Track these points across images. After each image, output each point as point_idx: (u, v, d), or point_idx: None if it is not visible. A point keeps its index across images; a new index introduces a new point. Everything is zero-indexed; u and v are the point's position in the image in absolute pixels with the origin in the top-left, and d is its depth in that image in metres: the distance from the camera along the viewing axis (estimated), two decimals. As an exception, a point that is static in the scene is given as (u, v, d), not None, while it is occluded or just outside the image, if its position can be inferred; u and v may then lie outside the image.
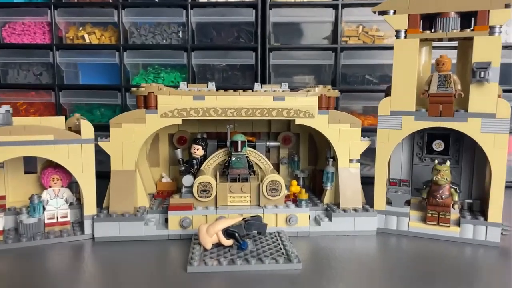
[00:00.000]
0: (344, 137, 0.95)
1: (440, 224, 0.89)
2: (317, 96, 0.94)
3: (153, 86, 0.90)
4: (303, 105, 0.93)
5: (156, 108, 0.90)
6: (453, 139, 0.97)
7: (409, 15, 0.88)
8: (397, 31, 0.90)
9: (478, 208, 0.95)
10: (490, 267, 0.77)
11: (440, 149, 0.97)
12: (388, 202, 0.94)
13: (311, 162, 1.16)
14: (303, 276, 0.71)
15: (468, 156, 0.96)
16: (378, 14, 0.92)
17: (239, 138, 0.93)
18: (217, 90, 0.93)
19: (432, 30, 0.90)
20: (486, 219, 0.87)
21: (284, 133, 1.14)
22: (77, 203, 0.94)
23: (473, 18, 0.87)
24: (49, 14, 1.38)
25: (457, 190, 0.90)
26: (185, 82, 0.95)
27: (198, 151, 0.98)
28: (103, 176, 0.91)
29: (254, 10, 1.36)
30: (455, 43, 1.00)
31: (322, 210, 0.96)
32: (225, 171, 0.92)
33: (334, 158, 0.98)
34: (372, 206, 0.94)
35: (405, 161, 1.01)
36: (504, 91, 1.08)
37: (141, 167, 0.99)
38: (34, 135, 0.84)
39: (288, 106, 0.93)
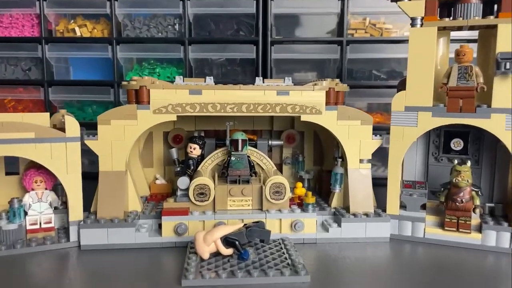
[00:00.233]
0: (354, 135, 0.90)
1: (460, 230, 0.84)
2: (325, 90, 0.88)
3: (145, 80, 0.85)
4: (309, 100, 0.88)
5: (149, 104, 0.85)
6: (473, 137, 0.91)
7: (426, 1, 0.83)
8: (413, 19, 0.84)
9: (501, 212, 0.89)
10: (516, 278, 0.72)
11: (458, 148, 0.92)
12: (402, 206, 0.89)
13: (316, 162, 1.12)
14: (312, 290, 0.66)
15: (489, 155, 0.91)
16: (391, 0, 0.85)
17: (240, 136, 0.89)
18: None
19: (451, 18, 0.85)
20: (510, 224, 0.82)
21: (287, 131, 1.09)
22: (63, 207, 0.89)
23: (496, 4, 0.82)
24: (38, 5, 1.35)
25: (479, 193, 0.85)
26: (181, 77, 0.90)
27: (195, 150, 0.94)
28: (95, 177, 0.87)
29: (254, 1, 1.33)
30: (474, 35, 0.95)
31: (330, 215, 0.92)
32: (224, 172, 0.88)
33: (343, 158, 0.93)
34: (384, 210, 0.90)
35: (420, 161, 0.96)
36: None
37: (133, 168, 0.96)
38: (13, 133, 0.78)
39: (293, 101, 0.88)
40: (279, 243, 0.81)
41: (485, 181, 0.92)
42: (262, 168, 0.94)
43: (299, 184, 0.97)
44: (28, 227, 0.83)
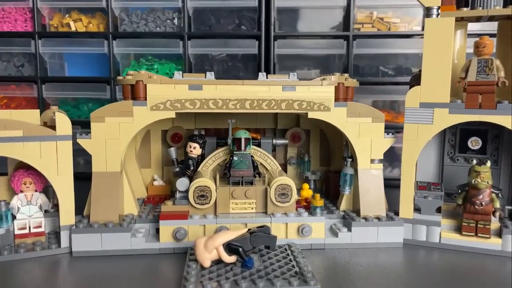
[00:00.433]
0: (365, 133, 0.87)
1: (479, 235, 0.81)
2: (334, 85, 0.85)
3: (141, 74, 0.83)
4: (317, 96, 0.85)
5: (146, 100, 0.83)
6: (492, 135, 0.88)
7: (443, -11, 0.80)
8: (428, 9, 0.81)
9: (521, 216, 0.87)
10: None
11: (476, 147, 0.89)
12: (416, 209, 0.86)
13: (323, 162, 1.09)
14: (322, 301, 0.65)
15: (509, 155, 0.88)
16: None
17: (243, 134, 0.86)
18: (216, 81, 0.87)
19: (469, 8, 0.81)
20: (532, 229, 0.79)
21: (292, 130, 1.07)
22: (54, 210, 0.86)
23: (518, -7, 0.79)
24: (31, -1, 1.35)
25: (499, 195, 0.81)
26: (180, 72, 0.88)
27: (195, 149, 0.92)
28: (90, 178, 0.84)
29: (257, -6, 1.32)
30: (493, 29, 0.92)
31: (339, 219, 0.89)
32: (226, 173, 0.86)
33: (353, 158, 0.90)
34: (396, 213, 0.87)
35: (434, 162, 0.93)
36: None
37: (129, 169, 0.93)
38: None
39: (300, 97, 0.85)
40: (285, 249, 0.78)
41: (504, 183, 0.89)
42: (266, 169, 0.92)
43: (306, 186, 0.94)
44: (16, 232, 0.81)
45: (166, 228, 0.80)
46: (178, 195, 0.85)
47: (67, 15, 1.38)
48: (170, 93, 0.82)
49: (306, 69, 1.42)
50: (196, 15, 1.35)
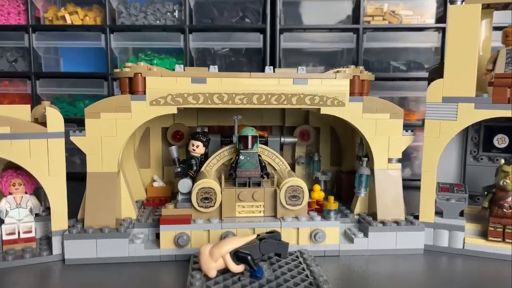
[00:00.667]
0: (382, 130, 0.82)
1: (506, 240, 0.78)
2: (349, 78, 0.80)
3: (140, 66, 0.79)
4: (330, 90, 0.80)
5: (145, 94, 0.79)
6: None
7: (468, -27, 0.76)
8: None
9: (551, 220, 0.83)
10: None
11: (503, 146, 0.85)
12: (438, 213, 0.82)
13: (333, 162, 1.06)
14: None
15: None
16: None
17: (250, 132, 0.82)
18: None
19: None
20: None
21: (301, 127, 1.03)
22: (46, 213, 0.84)
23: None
24: (25, -10, 1.33)
25: None
26: (182, 65, 0.83)
27: (197, 148, 0.90)
28: (85, 179, 0.82)
29: (261, -14, 1.30)
30: None
31: (353, 223, 0.85)
32: (232, 174, 0.83)
33: (369, 157, 0.86)
34: (416, 217, 0.83)
35: (455, 161, 0.89)
36: None
37: (126, 169, 0.90)
38: (-16, 127, 0.72)
39: (312, 91, 0.80)
40: (297, 257, 0.74)
41: (532, 184, 0.85)
42: (275, 169, 0.88)
43: (317, 187, 0.90)
44: (4, 238, 0.78)
45: (167, 233, 0.78)
46: (180, 197, 0.83)
47: (62, 8, 1.37)
48: (171, 87, 0.79)
49: (311, 66, 1.40)
50: (197, 7, 1.34)
